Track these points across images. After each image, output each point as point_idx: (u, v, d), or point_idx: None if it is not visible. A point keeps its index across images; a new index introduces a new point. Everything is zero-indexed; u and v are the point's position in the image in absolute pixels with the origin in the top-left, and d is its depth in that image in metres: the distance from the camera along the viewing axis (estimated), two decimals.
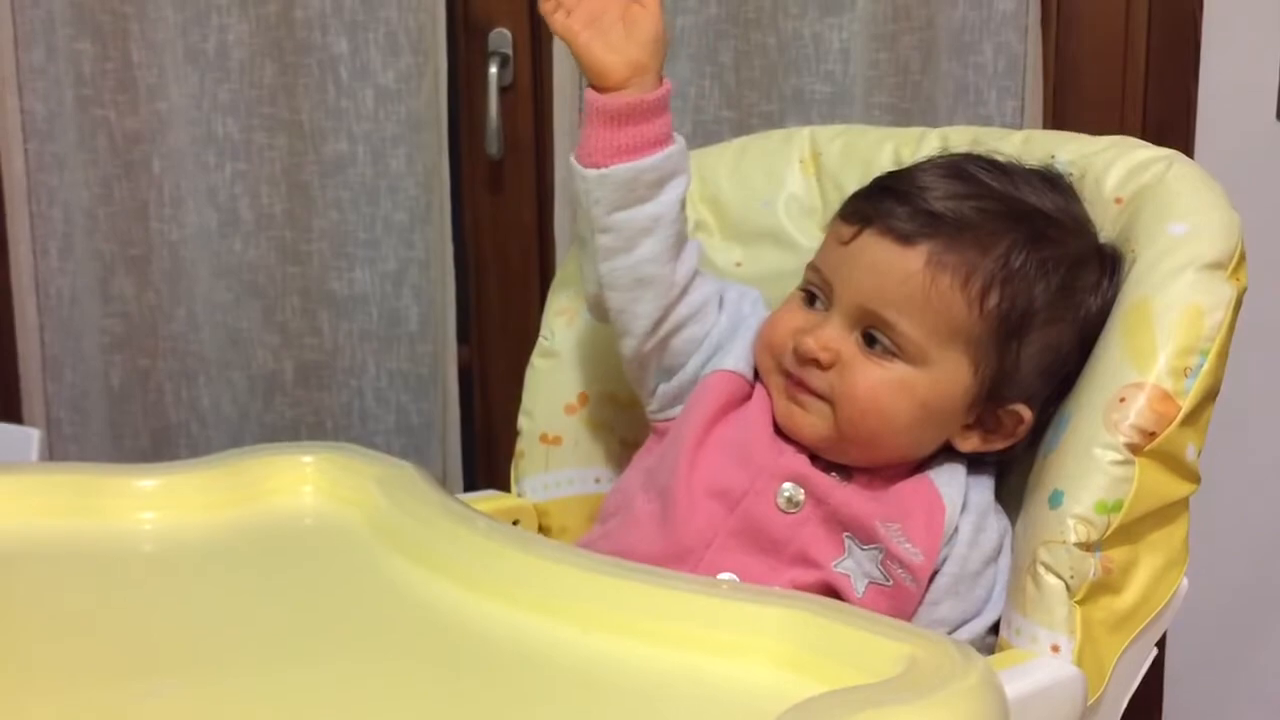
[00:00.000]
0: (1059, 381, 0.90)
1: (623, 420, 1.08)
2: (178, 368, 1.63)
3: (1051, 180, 0.92)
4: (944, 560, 0.87)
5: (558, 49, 1.52)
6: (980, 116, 1.47)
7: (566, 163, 1.51)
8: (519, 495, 1.06)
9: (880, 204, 0.90)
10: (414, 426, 1.63)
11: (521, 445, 1.08)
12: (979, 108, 1.49)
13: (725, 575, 0.88)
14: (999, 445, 0.91)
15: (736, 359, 0.95)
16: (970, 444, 0.91)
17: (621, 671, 0.69)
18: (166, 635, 0.73)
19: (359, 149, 1.57)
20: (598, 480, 1.07)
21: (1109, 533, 0.79)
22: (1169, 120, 1.48)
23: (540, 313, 1.46)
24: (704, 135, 1.52)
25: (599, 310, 0.97)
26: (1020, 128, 1.43)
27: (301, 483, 0.91)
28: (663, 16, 0.91)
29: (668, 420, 0.97)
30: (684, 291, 0.95)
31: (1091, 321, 0.89)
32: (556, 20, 0.90)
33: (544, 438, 1.07)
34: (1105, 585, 0.80)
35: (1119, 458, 0.80)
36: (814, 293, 0.92)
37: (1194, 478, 0.83)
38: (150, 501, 0.88)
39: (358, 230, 1.58)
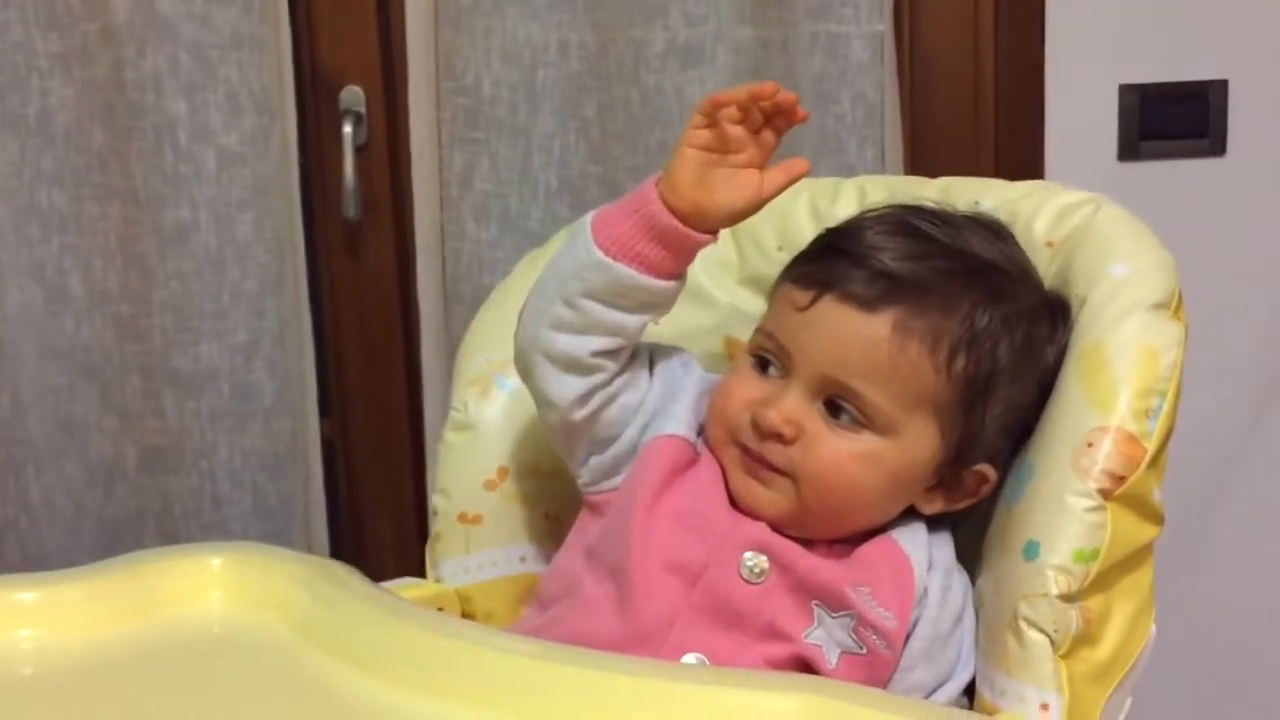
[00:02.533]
0: (1018, 436, 0.89)
1: (547, 493, 1.02)
2: (4, 458, 1.48)
3: (994, 229, 0.91)
4: (915, 623, 0.85)
5: (413, 105, 1.47)
6: (843, 165, 1.49)
7: (429, 222, 1.49)
8: (437, 580, 0.99)
9: (834, 267, 0.87)
10: (272, 508, 1.52)
11: (438, 527, 1.01)
12: (840, 156, 1.50)
13: (691, 656, 0.83)
14: (961, 505, 0.90)
15: (677, 423, 0.91)
16: (934, 506, 0.90)
17: None
18: None
19: (201, 215, 1.46)
20: (523, 559, 1.01)
21: (1087, 582, 0.79)
22: (1020, 163, 1.53)
23: (407, 381, 1.40)
24: (571, 190, 1.49)
25: (524, 370, 0.92)
26: (884, 173, 1.46)
27: (209, 588, 0.82)
28: (764, 204, 0.87)
29: (602, 493, 0.92)
30: (614, 376, 0.91)
31: (1049, 373, 0.88)
32: (698, 132, 0.86)
33: (463, 517, 1.00)
34: (1085, 637, 0.79)
35: (1092, 504, 0.80)
36: (768, 359, 0.89)
37: (1159, 519, 0.83)
38: (28, 617, 0.78)
39: (203, 302, 1.48)
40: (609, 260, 0.86)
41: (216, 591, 0.80)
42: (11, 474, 1.49)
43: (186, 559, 0.81)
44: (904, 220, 0.90)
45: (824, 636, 0.84)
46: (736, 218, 0.87)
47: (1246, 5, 1.51)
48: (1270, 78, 1.52)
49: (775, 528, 0.88)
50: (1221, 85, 1.52)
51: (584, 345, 0.88)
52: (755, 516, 0.88)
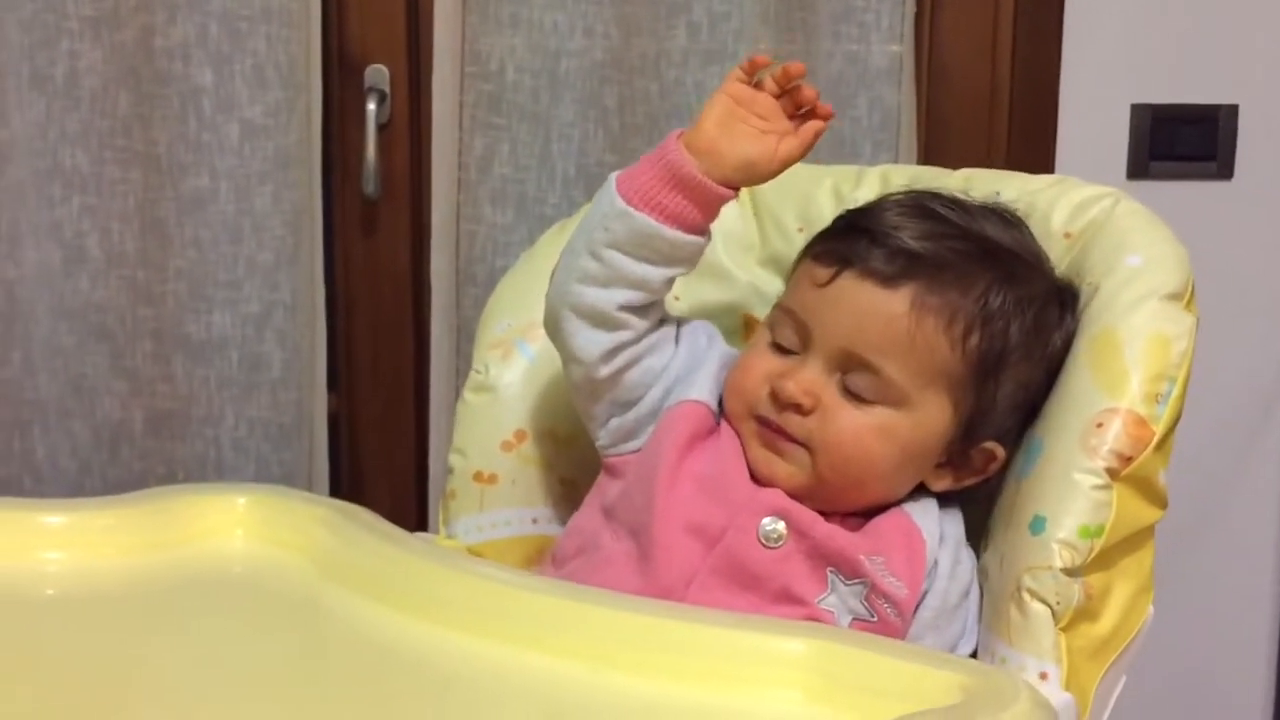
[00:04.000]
0: (1025, 416, 0.91)
1: (564, 458, 1.04)
2: (11, 416, 1.49)
3: (1006, 217, 0.94)
4: (925, 594, 0.86)
5: (437, 87, 1.49)
6: None
7: (446, 203, 1.51)
8: (450, 537, 1.01)
9: (854, 244, 0.89)
10: (275, 478, 1.53)
11: (453, 485, 1.02)
12: (854, 159, 1.52)
13: None
14: (970, 483, 0.92)
15: (700, 390, 0.93)
16: (943, 483, 0.92)
17: (639, 710, 0.65)
18: (62, 681, 0.66)
19: (221, 185, 1.48)
20: (535, 521, 1.02)
21: (1090, 558, 0.80)
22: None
23: (415, 360, 1.41)
24: (588, 178, 1.50)
25: (553, 326, 0.94)
26: None
27: (232, 525, 0.83)
28: (784, 167, 0.90)
29: (621, 456, 0.94)
30: (642, 335, 0.93)
31: (1057, 356, 0.91)
32: (735, 84, 0.89)
33: (478, 476, 1.01)
34: (1085, 611, 0.80)
35: (1099, 482, 0.82)
36: (788, 335, 0.91)
37: (1163, 503, 0.85)
38: (57, 540, 0.79)
39: (218, 271, 1.49)
40: (630, 209, 0.87)
41: (240, 529, 0.81)
42: (18, 432, 1.50)
43: (212, 496, 0.83)
44: (922, 203, 0.93)
45: (837, 603, 0.86)
46: (749, 170, 0.88)
47: (1259, 32, 1.54)
48: None
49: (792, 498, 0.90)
50: (1232, 110, 1.55)
51: (610, 299, 0.90)
52: (771, 485, 0.90)
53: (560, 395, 0.98)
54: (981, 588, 0.89)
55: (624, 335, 0.91)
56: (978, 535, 0.91)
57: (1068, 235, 0.94)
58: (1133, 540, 0.84)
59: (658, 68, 1.49)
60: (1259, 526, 1.61)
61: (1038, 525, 0.82)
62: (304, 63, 1.47)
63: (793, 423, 0.88)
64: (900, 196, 0.95)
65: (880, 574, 0.86)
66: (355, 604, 0.73)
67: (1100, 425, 0.83)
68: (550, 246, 1.04)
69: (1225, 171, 1.56)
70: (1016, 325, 0.89)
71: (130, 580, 0.77)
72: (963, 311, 0.87)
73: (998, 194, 0.98)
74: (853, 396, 0.88)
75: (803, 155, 0.89)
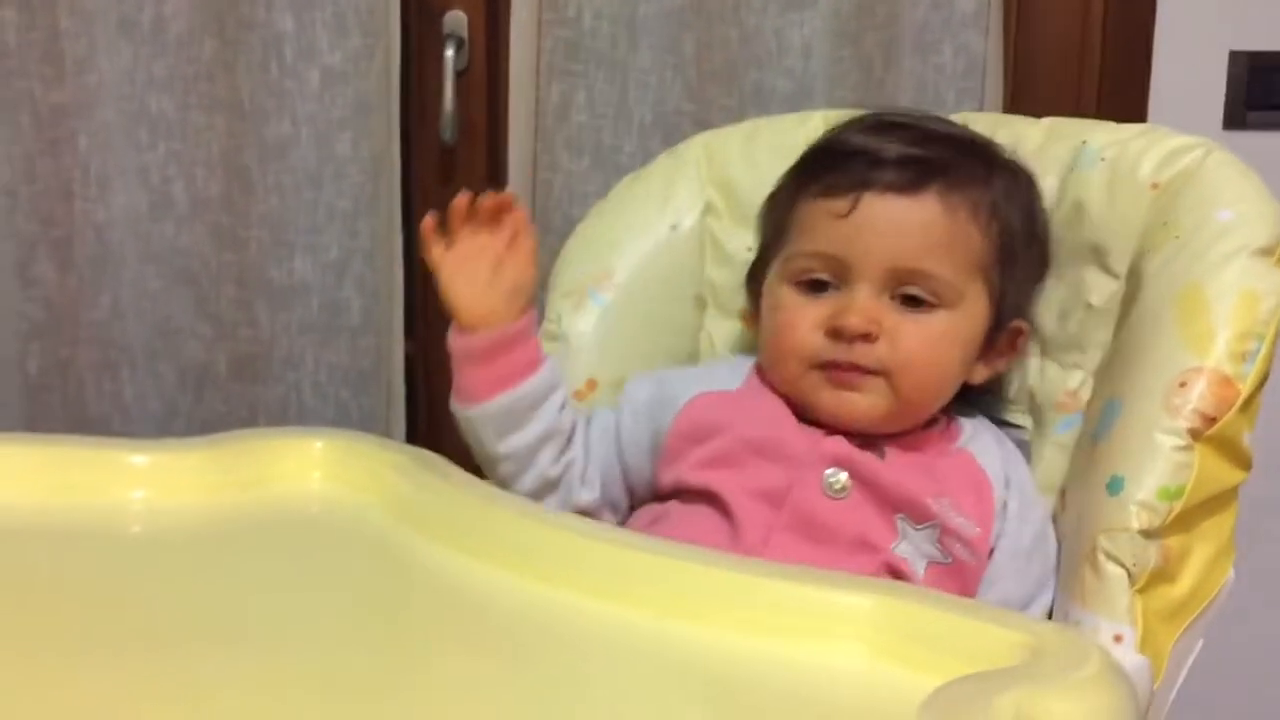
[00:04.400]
0: (1035, 291, 0.96)
1: None
2: (100, 358, 1.52)
3: (942, 118, 0.99)
4: (998, 536, 0.86)
5: (514, 33, 1.48)
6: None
7: (523, 151, 1.50)
8: None
9: (856, 168, 0.90)
10: (354, 422, 1.55)
11: None
12: (938, 108, 1.48)
13: None
14: (1003, 366, 0.95)
15: (687, 387, 0.96)
16: (981, 375, 0.93)
17: (703, 660, 0.65)
18: (148, 614, 0.67)
19: (302, 132, 1.49)
20: None
21: (1169, 520, 0.78)
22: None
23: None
24: (664, 127, 1.49)
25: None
26: None
27: (310, 468, 0.85)
28: (534, 268, 0.93)
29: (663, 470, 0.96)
30: (584, 462, 0.96)
31: (1045, 228, 0.96)
32: (434, 252, 0.93)
33: None
34: (1162, 574, 0.79)
35: (1181, 443, 0.80)
36: (820, 280, 0.91)
37: (1247, 464, 0.83)
38: (142, 479, 0.81)
39: (299, 217, 1.50)
40: (483, 404, 0.91)
41: (317, 472, 0.83)
42: (108, 373, 1.53)
43: (290, 439, 0.84)
44: (880, 120, 0.95)
45: (910, 549, 0.86)
46: (523, 293, 0.93)
47: None
48: None
49: (854, 435, 0.90)
50: None
51: (539, 471, 0.93)
52: (850, 427, 0.90)
53: (631, 344, 0.98)
54: (1057, 547, 0.87)
55: (568, 482, 0.95)
56: (1052, 495, 0.89)
57: (1155, 185, 0.91)
58: (1214, 502, 0.82)
59: (737, 14, 1.47)
60: None
61: (1115, 486, 0.80)
62: (383, 9, 1.47)
63: (863, 354, 0.89)
64: (850, 121, 0.97)
65: (949, 515, 0.85)
66: (428, 549, 0.74)
67: (1184, 384, 0.81)
68: (624, 195, 1.03)
69: None
70: (1018, 205, 0.92)
71: (210, 519, 0.79)
72: (983, 201, 0.90)
73: (1084, 142, 0.95)
74: (910, 310, 0.89)
75: (532, 243, 0.94)
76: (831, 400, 0.90)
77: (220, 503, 0.81)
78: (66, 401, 1.52)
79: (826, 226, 0.91)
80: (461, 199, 0.91)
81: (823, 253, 0.91)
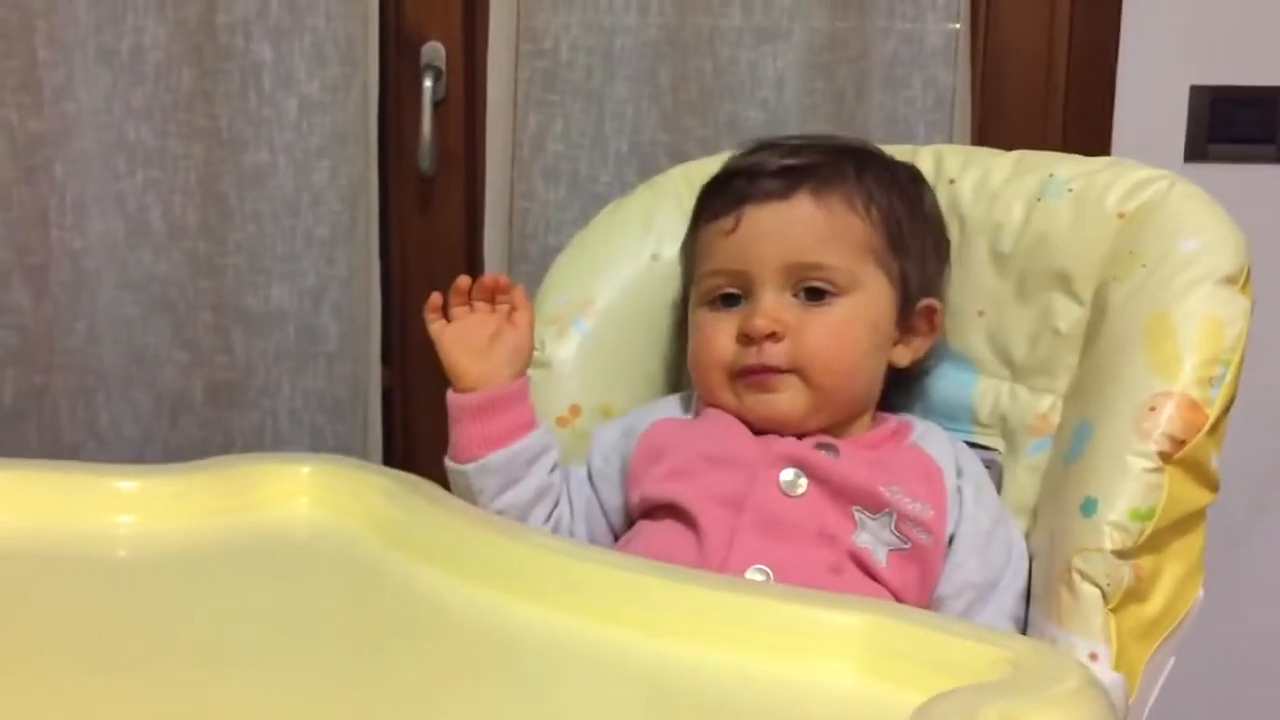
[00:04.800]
0: (940, 273, 1.00)
1: None
2: (75, 385, 1.52)
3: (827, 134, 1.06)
4: (958, 522, 0.90)
5: (492, 64, 1.50)
6: None
7: (500, 180, 1.52)
8: None
9: (736, 187, 0.97)
10: (330, 449, 1.56)
11: None
12: (908, 139, 1.51)
13: (755, 569, 0.87)
14: (925, 349, 0.99)
15: (649, 417, 1.00)
16: (905, 357, 0.98)
17: (691, 679, 0.66)
18: (132, 638, 0.68)
19: (280, 160, 1.50)
20: None
21: (1141, 540, 0.81)
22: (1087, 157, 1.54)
23: None
24: (640, 157, 1.51)
25: None
26: None
27: (296, 493, 0.85)
28: (531, 338, 0.97)
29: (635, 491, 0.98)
30: (570, 516, 1.00)
31: (936, 214, 1.02)
32: (436, 324, 0.97)
33: None
34: (1135, 593, 0.81)
35: (1151, 465, 0.82)
36: (728, 294, 0.97)
37: (1214, 486, 0.85)
38: (128, 504, 0.82)
39: (276, 244, 1.52)
40: (480, 461, 0.93)
41: (304, 497, 0.83)
42: (82, 400, 1.53)
43: (276, 464, 0.85)
44: (758, 143, 1.02)
45: (870, 539, 0.89)
46: (519, 356, 0.96)
47: None
48: None
49: (801, 434, 0.94)
50: None
51: (533, 521, 0.96)
52: (779, 428, 0.94)
53: (614, 371, 0.99)
54: (1030, 568, 0.89)
55: (559, 512, 0.99)
56: (1024, 516, 0.91)
57: (1121, 215, 0.94)
58: (1184, 523, 0.84)
59: (712, 45, 1.49)
60: None
61: (1089, 507, 0.82)
62: (362, 39, 1.49)
63: (773, 355, 0.94)
64: (736, 150, 1.04)
65: (902, 501, 0.89)
66: (417, 572, 0.75)
67: (1153, 409, 0.83)
68: (605, 225, 1.05)
69: None
70: (895, 193, 0.98)
71: (198, 544, 0.79)
72: (856, 192, 0.96)
73: (1051, 175, 0.98)
74: (813, 305, 0.94)
75: (530, 314, 0.98)
76: (754, 403, 0.95)
77: (206, 527, 0.81)
78: (41, 428, 1.52)
79: (720, 244, 0.97)
80: (463, 280, 0.97)
81: (721, 269, 0.97)
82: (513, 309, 0.97)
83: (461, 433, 0.94)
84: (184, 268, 1.52)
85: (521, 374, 0.96)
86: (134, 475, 0.82)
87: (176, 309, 1.52)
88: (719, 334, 0.96)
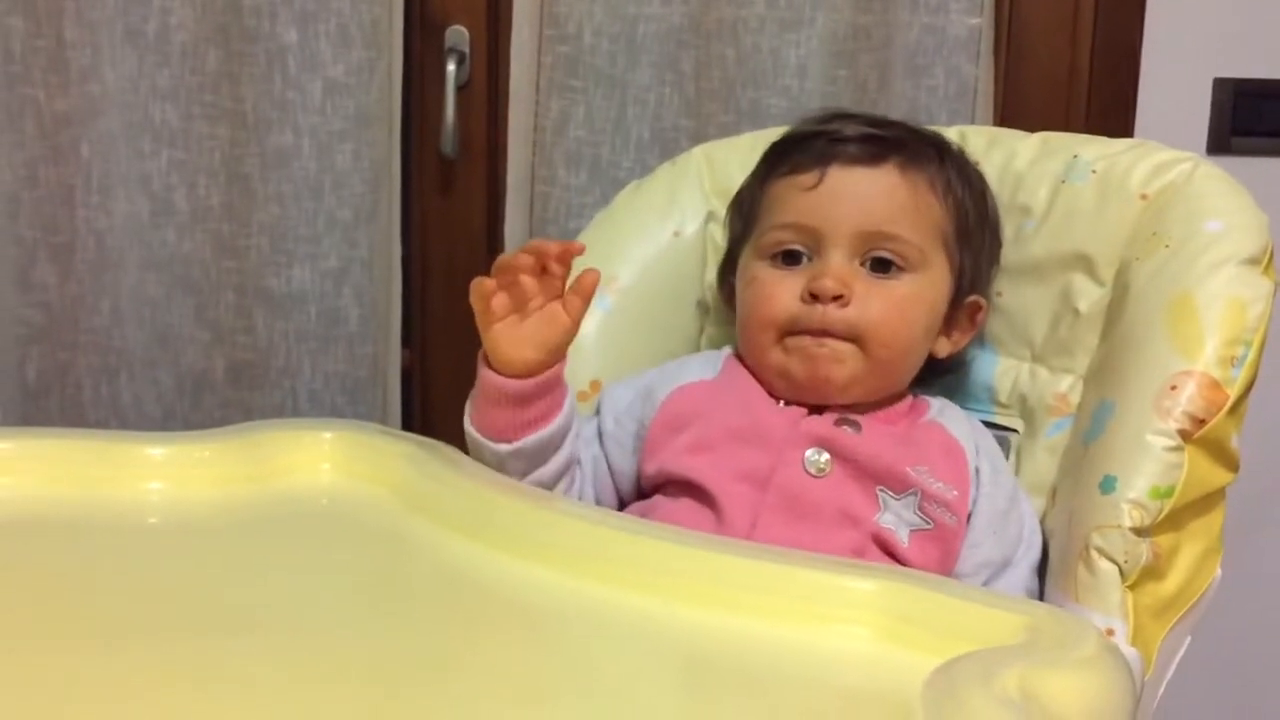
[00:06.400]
0: (990, 270, 1.00)
1: None
2: (99, 363, 1.53)
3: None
4: (975, 501, 0.90)
5: (515, 49, 1.51)
6: None
7: (522, 165, 1.52)
8: None
9: (818, 147, 0.96)
10: None
11: None
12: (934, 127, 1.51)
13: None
14: (965, 341, 0.99)
15: (673, 379, 0.98)
16: (944, 348, 0.98)
17: (709, 645, 0.66)
18: (166, 604, 0.69)
19: (304, 142, 1.51)
20: None
21: (1160, 518, 0.81)
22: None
23: None
24: (662, 143, 1.52)
25: None
26: None
27: (319, 460, 0.86)
28: (578, 327, 0.90)
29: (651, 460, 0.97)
30: (582, 479, 0.99)
31: (994, 210, 1.01)
32: (484, 316, 0.89)
33: None
34: (1153, 571, 0.81)
35: (1171, 444, 0.82)
36: (791, 250, 0.96)
37: (1234, 466, 0.85)
38: (159, 471, 0.83)
39: (299, 226, 1.52)
40: (514, 445, 0.90)
41: (326, 463, 0.84)
42: (105, 379, 1.54)
43: (300, 431, 0.85)
44: (835, 112, 1.02)
45: (893, 519, 0.89)
46: (562, 350, 0.90)
47: None
48: None
49: (818, 413, 0.93)
50: None
51: (556, 491, 0.95)
52: (814, 394, 0.93)
53: (634, 347, 0.99)
54: (1048, 546, 0.90)
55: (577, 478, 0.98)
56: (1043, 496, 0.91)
57: (1144, 196, 0.94)
58: (1203, 502, 0.84)
59: (735, 33, 1.50)
60: None
61: (1108, 485, 0.82)
62: (386, 23, 1.49)
63: (836, 318, 0.93)
64: (807, 117, 1.04)
65: (927, 480, 0.89)
66: (439, 537, 0.75)
67: (1174, 388, 0.83)
68: (627, 203, 1.06)
69: None
70: (968, 187, 0.98)
71: (224, 509, 0.80)
72: (939, 175, 0.96)
73: (1075, 156, 0.98)
74: (879, 276, 0.94)
75: (586, 306, 0.89)
76: (806, 368, 0.94)
77: (233, 494, 0.82)
78: (64, 406, 1.53)
79: (796, 199, 0.96)
80: (524, 260, 0.88)
81: (795, 223, 0.96)
82: (569, 294, 0.90)
83: (499, 416, 0.90)
84: (207, 248, 1.52)
85: (563, 358, 0.92)
86: (163, 442, 0.83)
87: (200, 289, 1.53)
88: (781, 291, 0.95)
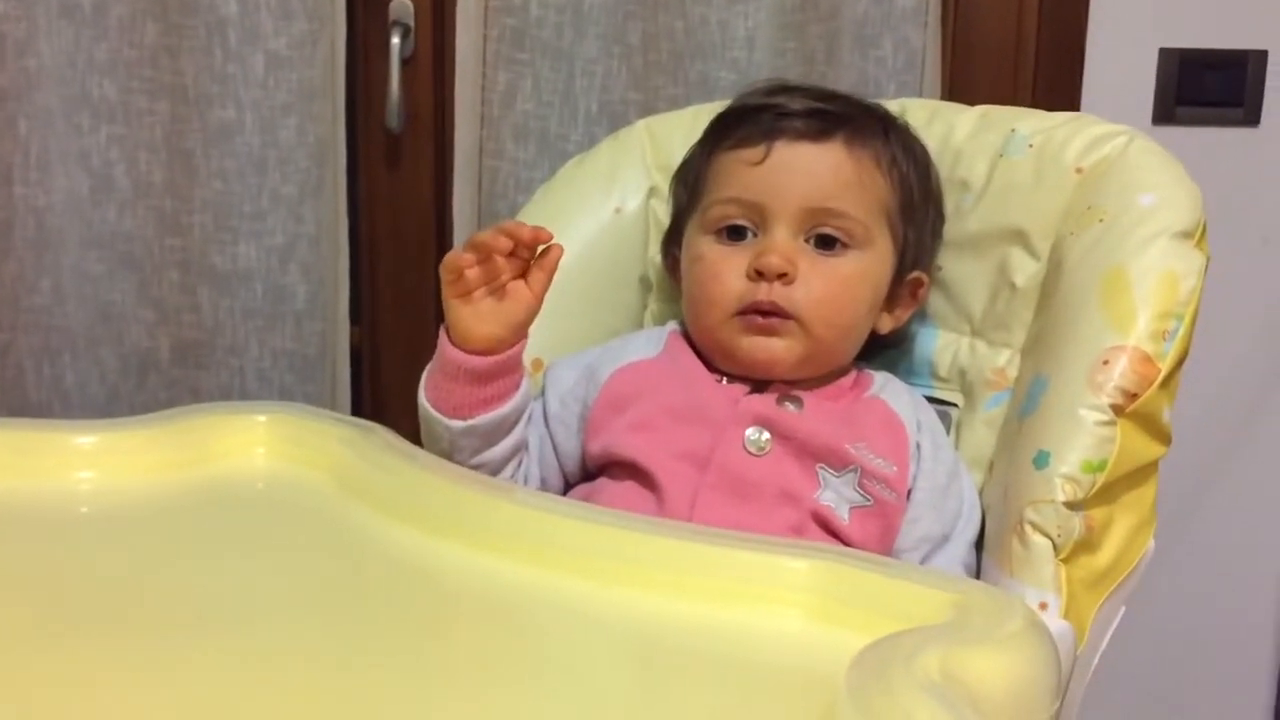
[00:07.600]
0: (933, 246, 1.00)
1: None
2: (40, 343, 1.51)
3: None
4: (915, 476, 0.90)
5: (461, 21, 1.49)
6: None
7: (469, 138, 1.51)
8: None
9: (765, 121, 0.95)
10: None
11: None
12: (878, 100, 1.51)
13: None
14: (906, 317, 0.99)
15: (616, 359, 0.98)
16: (887, 324, 0.98)
17: (646, 626, 0.66)
18: (99, 596, 0.68)
19: (247, 117, 1.49)
20: None
21: (1093, 492, 0.81)
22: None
23: (437, 294, 1.43)
24: (610, 115, 1.51)
25: None
26: None
27: (254, 444, 0.85)
28: (540, 302, 0.90)
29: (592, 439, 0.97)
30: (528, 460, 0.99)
31: (937, 185, 1.00)
32: (450, 291, 0.90)
33: None
34: (1086, 544, 0.82)
35: (1103, 418, 0.83)
36: (736, 226, 0.95)
37: (1166, 439, 0.86)
38: (89, 460, 0.81)
39: (243, 202, 1.50)
40: (469, 421, 0.90)
41: (261, 448, 0.83)
42: (48, 359, 1.52)
43: (233, 415, 0.84)
44: (781, 84, 1.01)
45: (833, 497, 0.89)
46: (524, 327, 0.91)
47: None
48: None
49: (759, 391, 0.93)
50: (1261, 56, 1.54)
51: (504, 475, 0.95)
52: (762, 373, 0.93)
53: (576, 324, 0.99)
54: (984, 520, 0.90)
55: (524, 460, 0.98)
56: (981, 470, 0.92)
57: (1079, 170, 0.95)
58: (1136, 475, 0.85)
59: (682, 5, 1.48)
60: (1272, 465, 1.61)
61: (1041, 460, 0.83)
62: None
63: (782, 295, 0.93)
64: (754, 88, 1.02)
65: (866, 457, 0.89)
66: (375, 521, 0.75)
67: (1106, 362, 0.84)
68: (569, 178, 1.05)
69: (1252, 118, 1.55)
70: (913, 162, 0.98)
71: (157, 497, 0.79)
72: (884, 151, 0.96)
73: (1013, 130, 0.98)
74: (823, 253, 0.93)
75: (549, 281, 0.90)
76: (749, 346, 0.94)
77: (166, 481, 0.81)
78: (5, 387, 1.51)
79: (742, 174, 0.96)
80: (503, 243, 0.89)
81: (739, 198, 0.95)
82: (533, 270, 0.90)
83: (456, 391, 0.90)
84: (150, 225, 1.50)
85: (524, 337, 0.92)
86: (92, 430, 0.82)
87: (142, 267, 1.51)
88: (727, 270, 0.95)
